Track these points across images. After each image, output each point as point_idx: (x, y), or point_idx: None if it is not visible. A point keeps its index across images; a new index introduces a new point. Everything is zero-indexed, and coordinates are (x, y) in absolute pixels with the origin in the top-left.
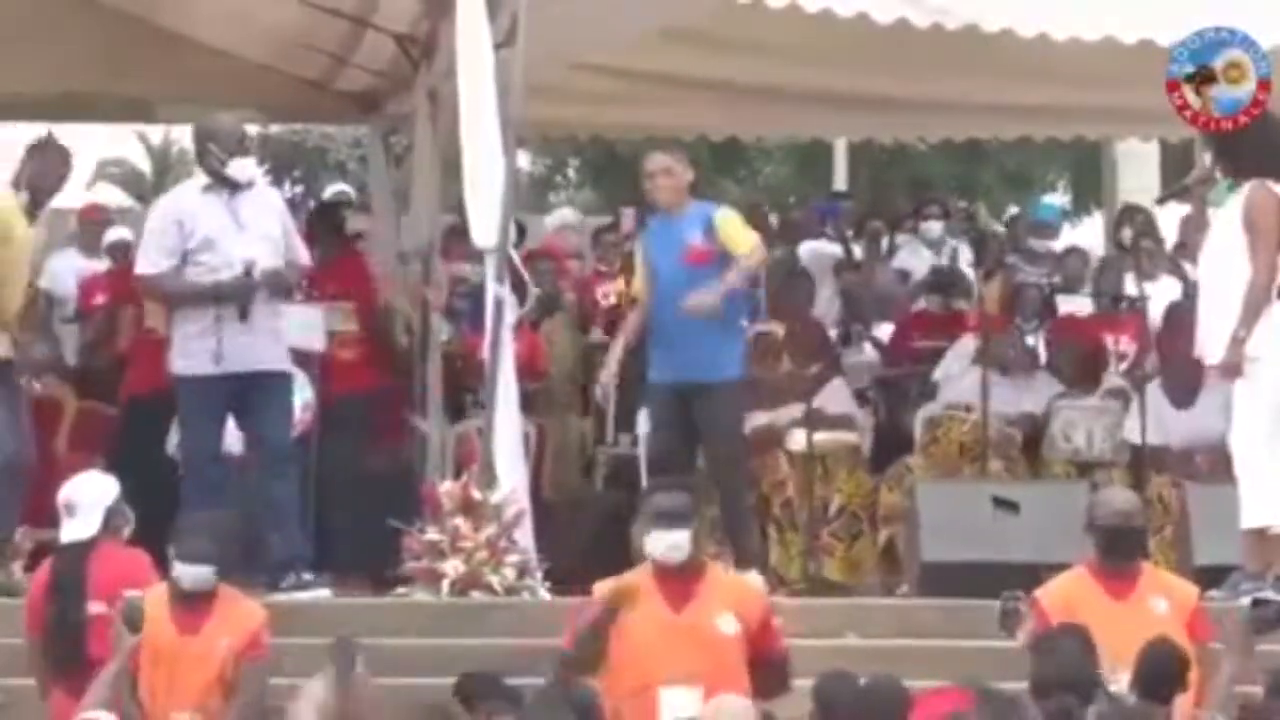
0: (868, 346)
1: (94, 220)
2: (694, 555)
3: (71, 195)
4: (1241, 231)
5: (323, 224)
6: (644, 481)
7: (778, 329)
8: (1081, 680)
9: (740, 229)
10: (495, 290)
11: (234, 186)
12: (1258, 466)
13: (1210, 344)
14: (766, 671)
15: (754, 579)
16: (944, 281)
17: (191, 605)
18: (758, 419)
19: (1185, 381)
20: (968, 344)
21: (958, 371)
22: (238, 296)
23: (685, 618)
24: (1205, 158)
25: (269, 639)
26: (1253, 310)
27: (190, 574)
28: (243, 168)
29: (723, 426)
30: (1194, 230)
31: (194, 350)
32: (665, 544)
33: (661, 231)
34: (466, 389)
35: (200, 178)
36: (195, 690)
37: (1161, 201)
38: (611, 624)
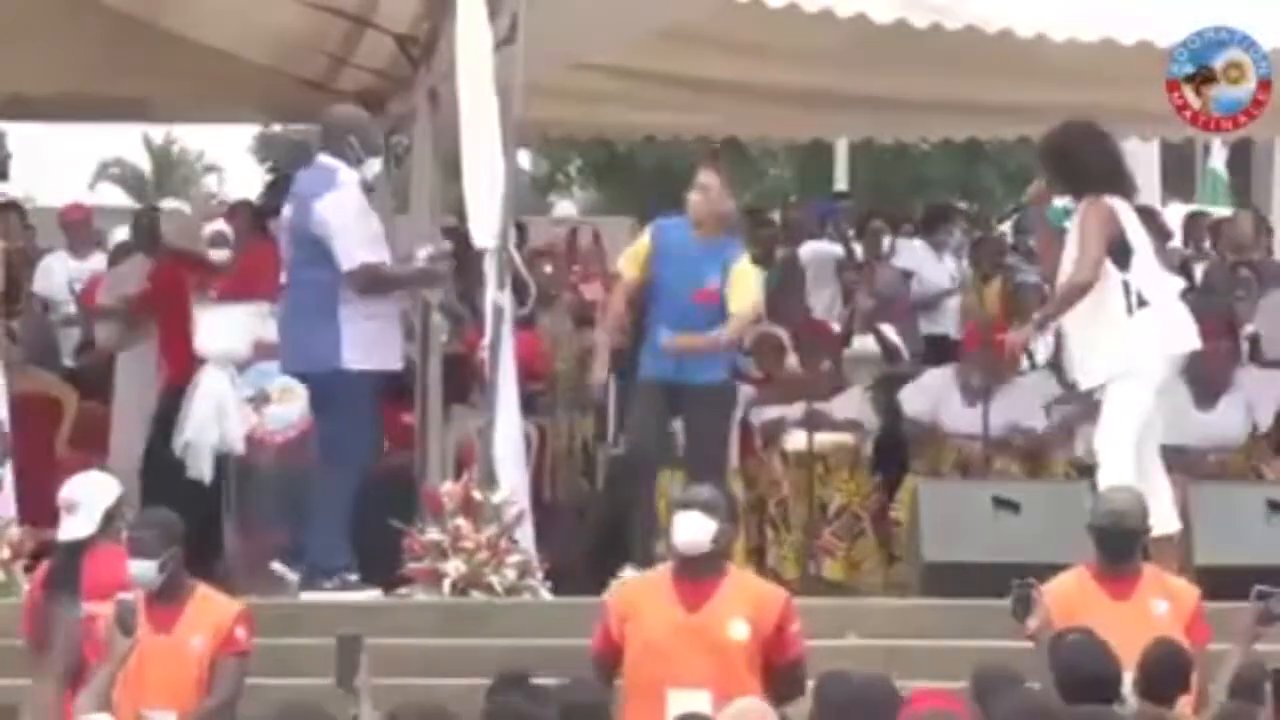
0: (870, 340)
1: (77, 221)
2: (716, 550)
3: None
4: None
5: (241, 219)
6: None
7: (776, 330)
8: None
9: (748, 286)
10: (495, 293)
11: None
12: (1120, 476)
13: (1076, 367)
14: (779, 676)
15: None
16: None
17: (167, 603)
18: (769, 412)
19: (1210, 384)
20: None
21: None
22: (440, 279)
23: (698, 619)
24: (1040, 178)
25: (247, 636)
26: (1065, 301)
27: (132, 568)
28: (371, 169)
29: (706, 428)
30: (1040, 248)
31: (381, 343)
32: (693, 527)
33: (681, 241)
34: (467, 390)
35: (353, 173)
36: (166, 688)
37: (1001, 220)
38: None
